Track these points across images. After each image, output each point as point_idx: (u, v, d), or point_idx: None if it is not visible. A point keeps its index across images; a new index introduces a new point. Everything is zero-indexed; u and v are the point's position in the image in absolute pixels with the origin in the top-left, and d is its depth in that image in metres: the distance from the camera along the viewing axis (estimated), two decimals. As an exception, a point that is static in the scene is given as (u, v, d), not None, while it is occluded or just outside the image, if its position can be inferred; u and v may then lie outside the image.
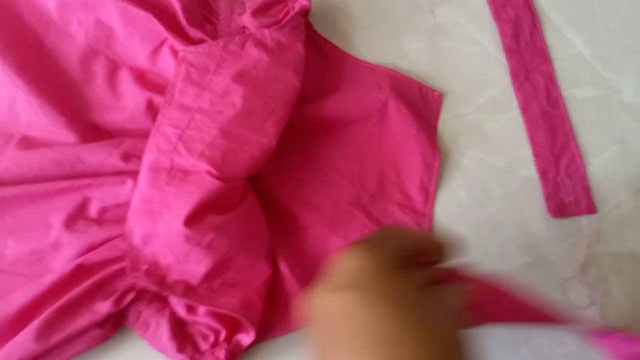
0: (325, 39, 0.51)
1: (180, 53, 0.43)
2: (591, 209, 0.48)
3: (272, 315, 0.44)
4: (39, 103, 0.44)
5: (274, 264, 0.45)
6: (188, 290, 0.41)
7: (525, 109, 0.50)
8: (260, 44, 0.44)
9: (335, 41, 0.51)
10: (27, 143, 0.45)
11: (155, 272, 0.41)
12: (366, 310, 0.27)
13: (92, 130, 0.45)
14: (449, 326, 0.29)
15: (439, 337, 0.28)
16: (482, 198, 0.48)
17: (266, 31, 0.44)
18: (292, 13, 0.46)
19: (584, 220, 0.48)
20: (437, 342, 0.27)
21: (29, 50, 0.45)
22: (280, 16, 0.47)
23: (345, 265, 0.29)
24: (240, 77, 0.43)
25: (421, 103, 0.50)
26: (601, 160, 0.49)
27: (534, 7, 0.52)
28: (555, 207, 0.48)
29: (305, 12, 0.48)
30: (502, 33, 0.51)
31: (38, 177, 0.43)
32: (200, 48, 0.43)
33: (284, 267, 0.45)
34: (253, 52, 0.44)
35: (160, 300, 0.42)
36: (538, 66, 0.50)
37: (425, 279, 0.31)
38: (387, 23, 0.52)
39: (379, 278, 0.29)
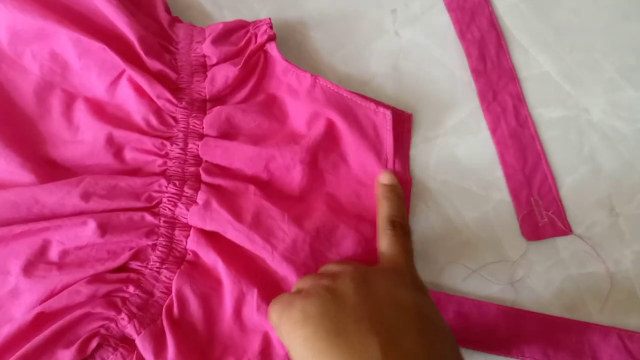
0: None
1: None
2: (566, 230, 0.47)
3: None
4: (-8, 142, 0.42)
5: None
6: None
7: (494, 130, 0.49)
8: None
9: (300, 66, 0.50)
10: (-19, 185, 0.42)
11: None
12: None
13: (49, 168, 0.43)
14: None
15: None
16: (457, 223, 0.47)
17: None
18: (254, 43, 0.45)
19: (560, 242, 0.47)
20: None
21: (-21, 87, 0.43)
22: (242, 43, 0.45)
23: None
24: None
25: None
26: (572, 180, 0.48)
27: (499, 27, 0.51)
28: (530, 230, 0.47)
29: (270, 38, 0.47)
30: (468, 54, 0.51)
31: (-7, 221, 0.41)
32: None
33: None
34: None
35: (125, 346, 0.41)
36: (505, 86, 0.50)
37: None
38: (352, 46, 0.51)
39: None
